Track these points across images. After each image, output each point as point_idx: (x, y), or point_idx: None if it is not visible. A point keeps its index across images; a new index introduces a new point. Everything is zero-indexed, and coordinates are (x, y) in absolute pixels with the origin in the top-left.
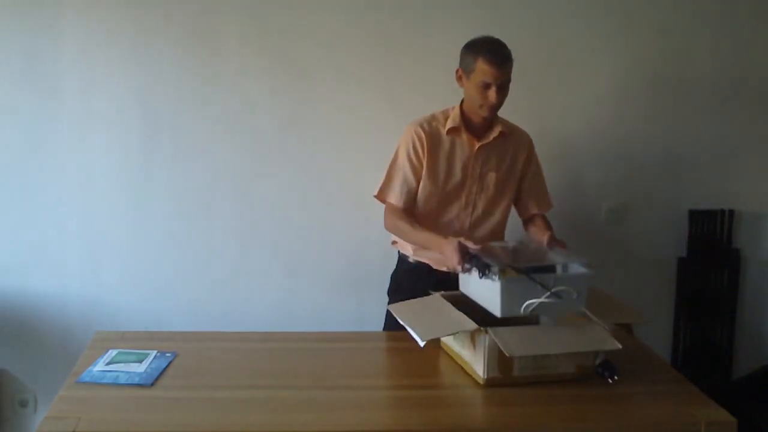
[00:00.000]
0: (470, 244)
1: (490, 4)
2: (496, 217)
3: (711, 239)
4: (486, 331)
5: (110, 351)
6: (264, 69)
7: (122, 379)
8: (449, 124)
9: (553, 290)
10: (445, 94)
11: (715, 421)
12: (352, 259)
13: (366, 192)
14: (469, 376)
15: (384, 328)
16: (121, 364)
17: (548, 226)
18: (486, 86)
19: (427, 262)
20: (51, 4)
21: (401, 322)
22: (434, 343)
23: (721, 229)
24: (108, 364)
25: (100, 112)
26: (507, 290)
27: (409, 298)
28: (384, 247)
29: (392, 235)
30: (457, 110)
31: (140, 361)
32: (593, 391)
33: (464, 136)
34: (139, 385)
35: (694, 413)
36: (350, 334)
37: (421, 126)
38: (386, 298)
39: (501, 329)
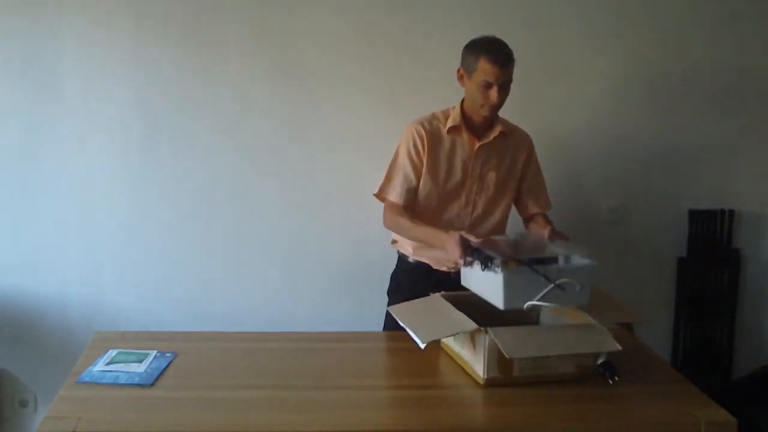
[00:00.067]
0: (472, 238)
1: (489, 4)
2: (496, 216)
3: (711, 239)
4: (486, 332)
5: (110, 351)
6: (263, 69)
7: (122, 379)
8: (450, 123)
9: (556, 282)
10: (444, 95)
11: (715, 421)
12: (352, 260)
13: (366, 192)
14: (469, 376)
15: (384, 329)
16: (121, 364)
17: (549, 222)
18: (487, 86)
19: (427, 262)
20: (51, 4)
21: (401, 324)
22: (434, 343)
23: (721, 229)
24: (108, 364)
25: (99, 112)
26: (509, 282)
27: (409, 298)
28: (384, 247)
29: (392, 234)
30: (457, 110)
31: (140, 361)
32: (593, 391)
33: (465, 135)
34: (139, 385)
35: (694, 413)
36: (350, 334)
37: (422, 124)
38: (386, 298)
39: (501, 329)
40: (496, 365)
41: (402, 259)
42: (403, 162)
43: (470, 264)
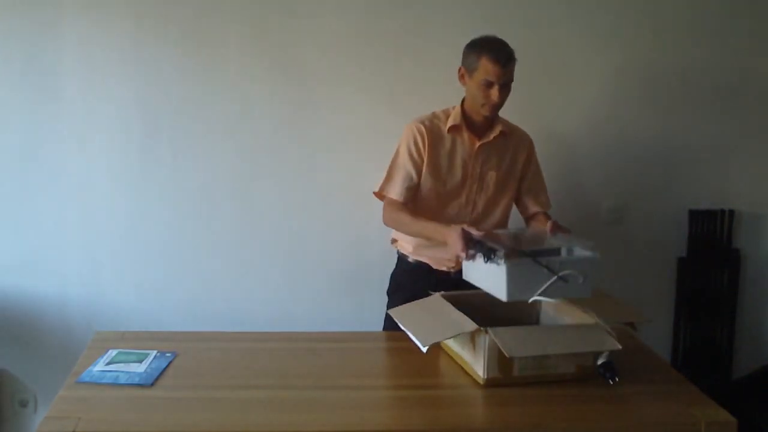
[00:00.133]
0: (474, 231)
1: (489, 4)
2: (496, 216)
3: (711, 239)
4: (486, 332)
5: (110, 351)
6: (263, 69)
7: (122, 379)
8: (450, 122)
9: (559, 274)
10: (444, 95)
11: (715, 421)
12: (352, 259)
13: (366, 192)
14: (469, 376)
15: (384, 329)
16: (121, 364)
17: (550, 219)
18: (488, 85)
19: (426, 261)
20: (51, 4)
21: (402, 328)
22: (434, 344)
23: (721, 229)
24: (108, 364)
25: (99, 112)
26: (512, 274)
27: (409, 298)
28: (384, 247)
29: (392, 233)
30: (458, 109)
31: (140, 361)
32: (593, 391)
33: (465, 134)
34: (139, 385)
35: (694, 413)
36: (350, 334)
37: (423, 123)
38: (386, 298)
39: (501, 329)
40: (496, 365)
41: (402, 259)
42: (404, 160)
43: (472, 257)
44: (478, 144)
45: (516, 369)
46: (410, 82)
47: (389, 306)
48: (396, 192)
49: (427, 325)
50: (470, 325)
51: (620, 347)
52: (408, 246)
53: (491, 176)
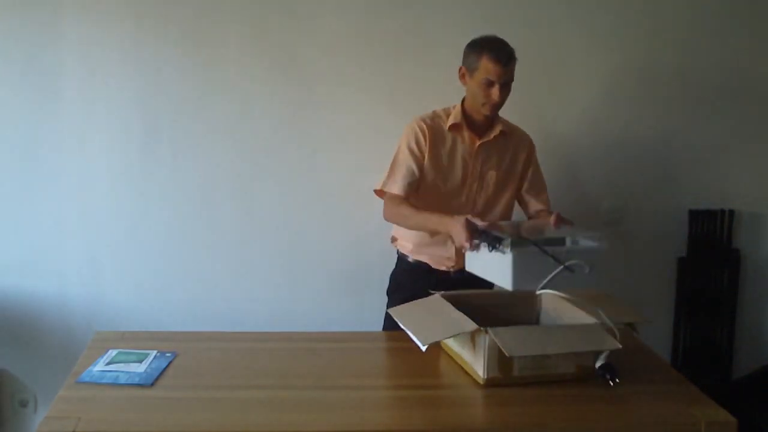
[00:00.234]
0: (478, 221)
1: (489, 4)
2: (495, 215)
3: (711, 239)
4: (486, 331)
5: (110, 351)
6: (263, 69)
7: (122, 379)
8: (451, 121)
9: (566, 264)
10: (444, 95)
11: (715, 421)
12: (352, 259)
13: (366, 192)
14: (469, 376)
15: (383, 329)
16: (121, 364)
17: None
18: (489, 84)
19: (426, 261)
20: (51, 4)
21: (402, 327)
22: (434, 343)
23: (721, 229)
24: (108, 364)
25: (99, 112)
26: (518, 263)
27: (408, 298)
28: (384, 247)
29: (392, 231)
30: (458, 108)
31: (140, 361)
32: (593, 391)
33: (465, 133)
34: (139, 385)
35: (694, 413)
36: (350, 334)
37: (424, 120)
38: (386, 298)
39: (501, 329)
40: (496, 365)
41: (401, 258)
42: (405, 156)
43: (476, 247)
44: (478, 143)
45: (516, 369)
46: (410, 82)
47: (389, 305)
48: (397, 187)
49: (427, 325)
50: (470, 325)
51: (620, 347)
52: (407, 244)
53: (491, 175)
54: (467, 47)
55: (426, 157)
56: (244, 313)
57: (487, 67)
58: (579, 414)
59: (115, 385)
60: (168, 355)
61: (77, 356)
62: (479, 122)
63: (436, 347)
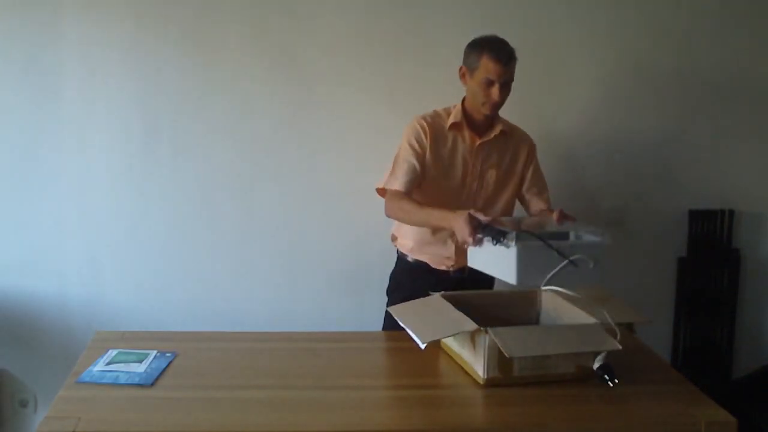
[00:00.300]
0: (480, 216)
1: (489, 4)
2: (496, 214)
3: (711, 239)
4: (486, 331)
5: (110, 351)
6: (263, 69)
7: (122, 379)
8: (451, 120)
9: (570, 258)
10: (444, 95)
11: (715, 421)
12: (352, 259)
13: (366, 192)
14: (469, 376)
15: (383, 329)
16: (121, 364)
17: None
18: (489, 83)
19: (426, 261)
20: (51, 4)
21: (401, 324)
22: (434, 343)
23: (721, 229)
24: (108, 364)
25: (99, 112)
26: (523, 256)
27: (408, 297)
28: (384, 246)
29: (392, 230)
30: (458, 107)
31: (140, 361)
32: (593, 391)
33: (466, 132)
34: (139, 385)
35: (694, 413)
36: (350, 334)
37: (424, 119)
38: (386, 298)
39: (501, 329)
40: (496, 365)
41: (401, 258)
42: (406, 153)
43: (480, 242)
44: (478, 142)
45: (516, 369)
46: (410, 82)
47: (389, 305)
48: (399, 183)
49: (427, 323)
50: (470, 325)
51: (620, 347)
52: (407, 243)
53: (491, 174)
54: (468, 47)
55: (427, 154)
56: (244, 313)
57: (487, 66)
58: (579, 414)
59: (115, 385)
60: (168, 355)
61: (77, 356)
62: (479, 122)
63: (435, 347)
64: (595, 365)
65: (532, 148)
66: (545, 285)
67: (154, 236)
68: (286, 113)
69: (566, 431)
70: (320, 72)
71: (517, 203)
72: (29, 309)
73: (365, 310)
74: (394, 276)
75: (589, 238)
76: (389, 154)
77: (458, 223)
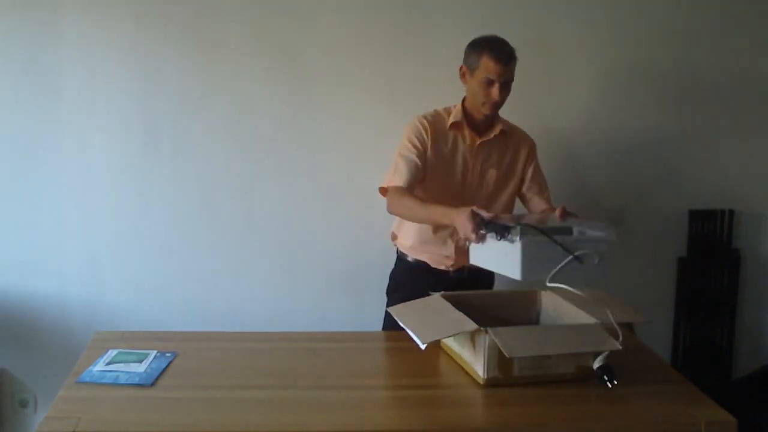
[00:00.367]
0: (483, 212)
1: (489, 4)
2: (496, 212)
3: (711, 239)
4: (486, 332)
5: (110, 351)
6: (263, 69)
7: (122, 379)
8: (452, 119)
9: (576, 253)
10: (444, 95)
11: (715, 421)
12: (352, 259)
13: (366, 192)
14: (469, 376)
15: (383, 329)
16: (121, 364)
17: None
18: (489, 83)
19: (425, 260)
20: (51, 4)
21: (401, 325)
22: (434, 343)
23: (721, 229)
24: (108, 364)
25: (100, 112)
26: (527, 251)
27: (408, 297)
28: (384, 247)
29: (392, 228)
30: (459, 107)
31: (140, 361)
32: (593, 391)
33: (466, 132)
34: (139, 385)
35: (694, 413)
36: (350, 334)
37: (425, 117)
38: (386, 298)
39: (501, 329)
40: (496, 365)
41: (401, 258)
42: (407, 150)
43: (482, 238)
44: (479, 141)
45: (516, 369)
46: (410, 82)
47: (388, 305)
48: (401, 179)
49: (427, 324)
50: (470, 325)
51: (620, 347)
52: (407, 241)
53: (491, 174)
54: (468, 46)
55: (428, 152)
56: (244, 313)
57: (487, 65)
58: (579, 414)
59: (115, 385)
60: (168, 355)
61: (77, 356)
62: (480, 121)
63: (435, 347)
64: (596, 365)
65: (532, 147)
66: (550, 280)
67: (154, 236)
68: (286, 113)
69: (566, 431)
70: (320, 72)
71: (519, 202)
72: (29, 309)
73: (365, 310)
74: (393, 276)
75: (593, 233)
76: (389, 154)
77: (461, 219)
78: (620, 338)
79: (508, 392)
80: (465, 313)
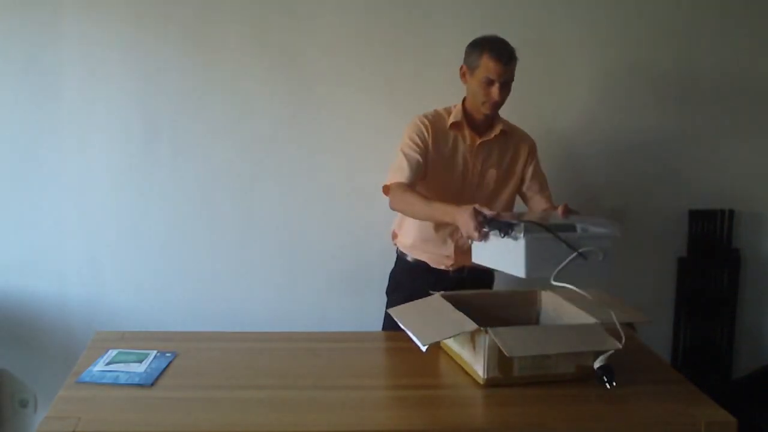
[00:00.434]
0: (485, 210)
1: (489, 4)
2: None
3: (711, 239)
4: (486, 331)
5: (110, 351)
6: (263, 69)
7: (122, 379)
8: (452, 119)
9: (580, 250)
10: (444, 95)
11: (715, 421)
12: (352, 259)
13: (366, 192)
14: (469, 376)
15: (383, 329)
16: (121, 364)
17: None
18: (489, 83)
19: (425, 260)
20: (51, 4)
21: (402, 327)
22: (434, 343)
23: (721, 229)
24: (108, 364)
25: (99, 112)
26: (532, 248)
27: (408, 297)
28: (384, 246)
29: (393, 226)
30: (459, 107)
31: (140, 361)
32: (593, 391)
33: (466, 131)
34: (139, 385)
35: (694, 413)
36: (350, 334)
37: (426, 117)
38: (386, 298)
39: (501, 329)
40: (496, 365)
41: (400, 257)
42: (409, 147)
43: (485, 236)
44: (479, 141)
45: (516, 369)
46: (410, 82)
47: (388, 305)
48: (403, 175)
49: (427, 325)
50: (470, 325)
51: (620, 347)
52: (408, 240)
53: (491, 173)
54: (468, 46)
55: (429, 150)
56: (244, 313)
57: (487, 65)
58: (579, 414)
59: (115, 385)
60: (168, 355)
61: (77, 356)
62: (480, 121)
63: (436, 347)
64: (597, 364)
65: (532, 147)
66: (555, 277)
67: (154, 236)
68: (286, 113)
69: (566, 431)
70: (320, 72)
71: (519, 201)
72: (29, 309)
73: (365, 310)
74: (393, 276)
75: (597, 230)
76: (389, 154)
77: (463, 217)
78: (623, 340)
79: (508, 392)
80: (465, 313)
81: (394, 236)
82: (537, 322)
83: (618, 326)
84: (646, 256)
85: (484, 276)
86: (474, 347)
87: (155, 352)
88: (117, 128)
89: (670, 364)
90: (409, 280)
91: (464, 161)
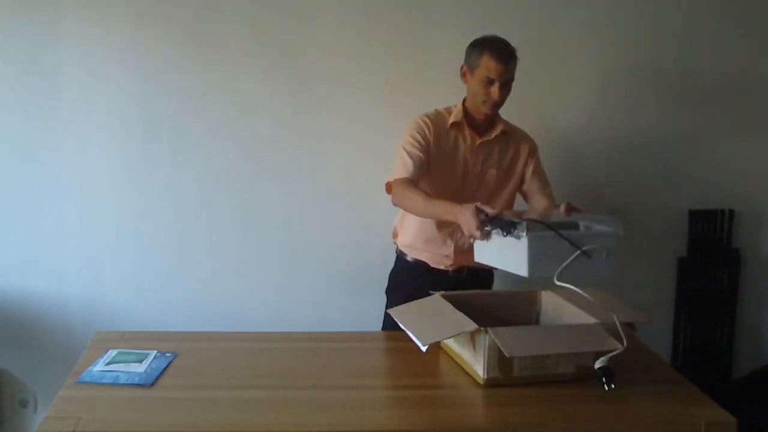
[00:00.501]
0: (487, 209)
1: (489, 4)
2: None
3: (711, 239)
4: (486, 331)
5: (110, 351)
6: (264, 69)
7: (122, 379)
8: (452, 119)
9: (583, 248)
10: (444, 95)
11: (715, 421)
12: (352, 259)
13: (366, 192)
14: (469, 376)
15: (383, 329)
16: (121, 364)
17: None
18: (489, 82)
19: (425, 260)
20: (51, 4)
21: (402, 327)
22: (434, 343)
23: (721, 229)
24: (108, 364)
25: (99, 112)
26: (534, 247)
27: (407, 297)
28: (384, 246)
29: (394, 224)
30: (459, 107)
31: (140, 361)
32: (593, 391)
33: (466, 131)
34: (139, 385)
35: (694, 413)
36: (350, 334)
37: (427, 116)
38: (386, 298)
39: (501, 329)
40: (496, 365)
41: (400, 257)
42: (411, 145)
43: (487, 235)
44: (479, 141)
45: (516, 369)
46: (410, 82)
47: (388, 305)
48: (406, 171)
49: (427, 325)
50: (470, 325)
51: (621, 347)
52: (408, 238)
53: (491, 173)
54: (469, 46)
55: (430, 148)
56: (244, 313)
57: (488, 65)
58: (579, 414)
59: (115, 385)
60: (168, 355)
61: (77, 356)
62: (480, 121)
63: (435, 347)
64: (598, 364)
65: (533, 147)
66: (558, 276)
67: (154, 236)
68: (286, 113)
69: (566, 431)
70: (320, 72)
71: (520, 199)
72: (29, 309)
73: (365, 310)
74: (393, 276)
75: (600, 228)
76: (389, 154)
77: (465, 215)
78: (624, 341)
79: (508, 392)
80: (465, 313)
81: (395, 234)
82: (537, 322)
83: (619, 327)
84: (646, 256)
85: (484, 276)
86: (474, 347)
87: (155, 352)
88: (117, 128)
89: (670, 364)
90: (408, 280)
91: (464, 161)
